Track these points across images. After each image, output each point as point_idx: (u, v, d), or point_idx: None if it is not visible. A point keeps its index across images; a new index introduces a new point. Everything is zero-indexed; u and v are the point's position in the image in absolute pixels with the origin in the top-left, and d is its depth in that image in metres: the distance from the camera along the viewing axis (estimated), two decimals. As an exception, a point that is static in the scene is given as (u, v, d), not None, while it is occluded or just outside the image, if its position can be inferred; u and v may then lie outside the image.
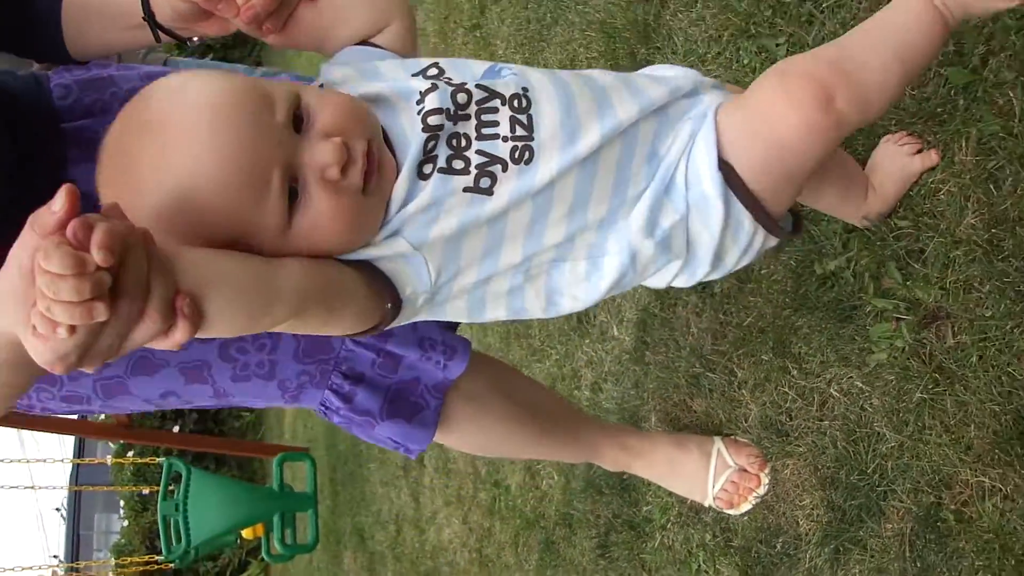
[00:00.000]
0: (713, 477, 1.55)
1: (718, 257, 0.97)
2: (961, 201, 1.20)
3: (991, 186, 1.16)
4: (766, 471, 1.51)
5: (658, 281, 1.01)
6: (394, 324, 0.90)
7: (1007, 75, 1.14)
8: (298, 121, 0.82)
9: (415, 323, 1.03)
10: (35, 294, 0.64)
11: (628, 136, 0.92)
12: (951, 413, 1.18)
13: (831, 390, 1.36)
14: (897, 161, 1.27)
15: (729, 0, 1.65)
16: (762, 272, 1.55)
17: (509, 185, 0.88)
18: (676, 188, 0.94)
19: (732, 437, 1.58)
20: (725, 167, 0.91)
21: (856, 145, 1.38)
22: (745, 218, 0.94)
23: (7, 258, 0.68)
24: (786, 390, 1.45)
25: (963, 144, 1.20)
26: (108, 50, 1.21)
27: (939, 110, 1.24)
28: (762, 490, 1.51)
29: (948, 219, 1.22)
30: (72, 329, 0.64)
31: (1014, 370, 1.12)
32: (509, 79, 0.92)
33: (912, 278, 1.25)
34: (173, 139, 0.77)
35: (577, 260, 0.94)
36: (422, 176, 0.87)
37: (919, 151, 1.26)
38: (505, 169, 0.88)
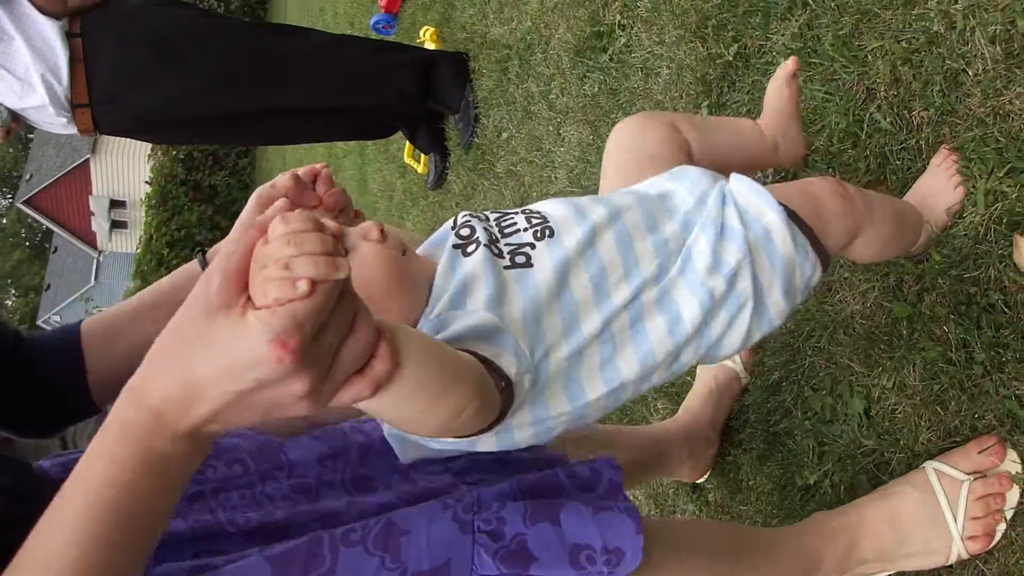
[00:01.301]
0: (949, 507, 1.22)
1: (788, 293, 1.05)
2: (915, 420, 1.34)
3: (938, 408, 1.30)
4: (1011, 457, 1.20)
5: (736, 337, 1.05)
6: (510, 414, 0.90)
7: (941, 310, 1.31)
8: None
9: (560, 530, 0.96)
10: (256, 270, 0.62)
11: (642, 206, 1.05)
12: (926, 618, 1.27)
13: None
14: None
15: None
16: (749, 483, 1.67)
17: (544, 256, 0.98)
18: (733, 231, 1.02)
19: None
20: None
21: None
22: (807, 248, 1.06)
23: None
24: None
25: (911, 370, 1.35)
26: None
27: (887, 339, 1.40)
28: (1015, 496, 1.19)
29: (906, 436, 1.35)
30: (312, 287, 0.60)
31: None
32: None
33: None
34: None
35: (653, 317, 1.00)
36: (466, 254, 0.97)
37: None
38: (533, 247, 0.99)
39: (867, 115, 1.47)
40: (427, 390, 0.75)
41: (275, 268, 0.61)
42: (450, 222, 1.05)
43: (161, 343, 0.68)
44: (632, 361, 0.99)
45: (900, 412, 1.37)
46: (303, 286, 0.60)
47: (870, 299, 1.44)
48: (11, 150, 38.45)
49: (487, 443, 0.96)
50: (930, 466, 1.26)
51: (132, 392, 0.69)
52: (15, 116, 2.59)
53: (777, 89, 1.26)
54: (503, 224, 1.04)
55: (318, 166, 1.13)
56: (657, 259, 1.01)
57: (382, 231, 0.93)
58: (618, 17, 2.27)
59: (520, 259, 0.98)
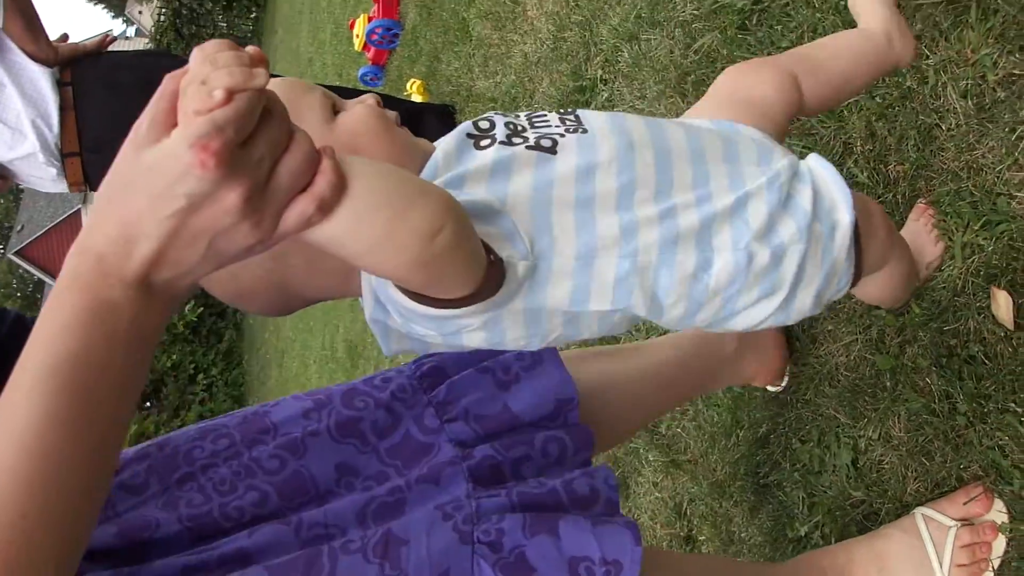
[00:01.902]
0: (935, 552, 1.22)
1: (818, 296, 0.97)
2: (902, 471, 1.35)
3: (923, 458, 1.31)
4: (997, 507, 1.20)
5: (753, 317, 0.95)
6: (501, 297, 0.82)
7: (922, 362, 1.32)
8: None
9: (559, 542, 0.95)
10: (180, 101, 0.62)
11: (694, 135, 0.93)
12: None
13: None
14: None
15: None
16: (741, 536, 1.67)
17: (571, 148, 0.88)
18: (799, 208, 0.92)
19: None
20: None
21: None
22: (853, 260, 0.98)
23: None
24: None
25: (895, 421, 1.36)
26: None
27: (871, 390, 1.41)
28: (1001, 546, 1.19)
29: (894, 487, 1.36)
30: (228, 96, 0.60)
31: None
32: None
33: (870, 542, 1.38)
34: None
35: (687, 252, 0.88)
36: (478, 147, 0.88)
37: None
38: (563, 136, 0.89)
39: (845, 169, 1.49)
40: (388, 205, 0.69)
41: (193, 87, 0.61)
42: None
43: (100, 193, 0.67)
44: (646, 290, 0.88)
45: (887, 463, 1.38)
46: (218, 94, 0.59)
47: (854, 351, 1.46)
48: (2, 201, 38.55)
49: (474, 337, 0.87)
50: (919, 512, 1.27)
51: (78, 244, 0.67)
52: (3, 173, 2.58)
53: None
54: (534, 118, 0.95)
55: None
56: (695, 191, 0.89)
57: (379, 103, 0.90)
58: (600, 72, 2.31)
59: (546, 143, 0.88)
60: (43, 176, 2.61)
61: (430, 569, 0.90)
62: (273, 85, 0.69)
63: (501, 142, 0.88)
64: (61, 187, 2.63)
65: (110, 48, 2.65)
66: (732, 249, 0.89)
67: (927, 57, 1.36)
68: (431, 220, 0.70)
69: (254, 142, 0.63)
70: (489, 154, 0.87)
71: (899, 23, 1.16)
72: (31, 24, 2.39)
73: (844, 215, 0.94)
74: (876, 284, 1.15)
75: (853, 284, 1.01)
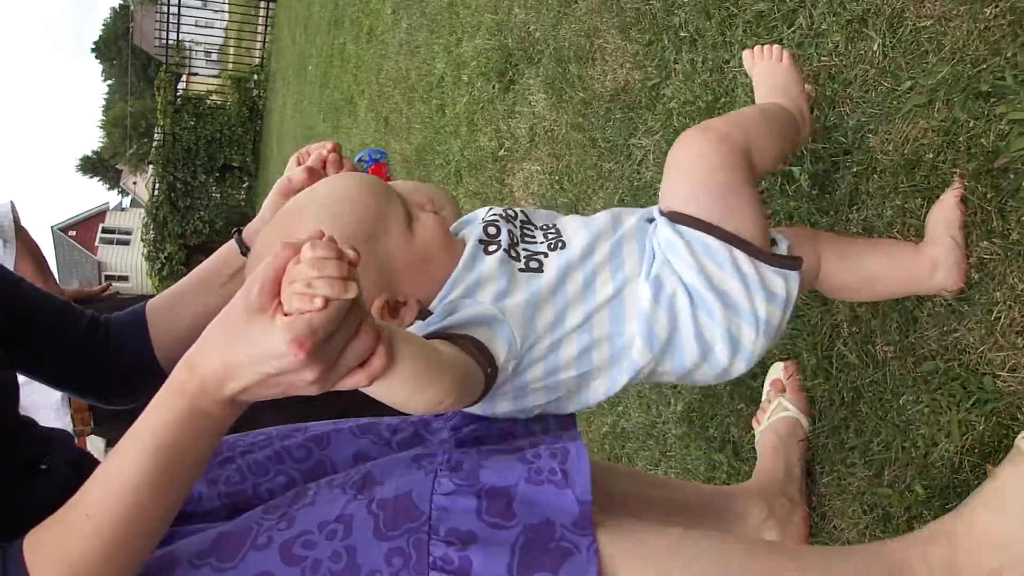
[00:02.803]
0: None
1: (701, 273, 1.12)
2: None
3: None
4: None
5: (687, 334, 1.13)
6: (487, 394, 1.06)
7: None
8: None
9: (506, 436, 1.19)
10: (286, 284, 0.81)
11: (626, 232, 1.19)
12: None
13: None
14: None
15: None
16: None
17: (553, 263, 1.14)
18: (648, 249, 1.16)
19: None
20: (668, 214, 1.15)
21: None
22: (711, 242, 1.12)
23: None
24: None
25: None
26: (203, 321, 1.31)
27: None
28: None
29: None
30: (326, 303, 0.79)
31: None
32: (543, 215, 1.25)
33: None
34: (321, 205, 1.10)
35: (630, 321, 1.12)
36: (487, 252, 1.13)
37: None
38: (546, 256, 1.15)
39: (835, 350, 1.56)
40: (414, 382, 0.92)
41: (300, 285, 0.79)
42: (483, 211, 1.22)
43: (213, 328, 0.88)
44: (603, 354, 1.13)
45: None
46: (319, 302, 0.79)
47: (861, 526, 1.49)
48: None
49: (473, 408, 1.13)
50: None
51: (188, 362, 0.90)
52: None
53: (942, 211, 1.35)
54: (524, 230, 1.20)
55: (325, 151, 1.34)
56: (637, 261, 1.15)
57: (432, 201, 1.17)
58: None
59: (534, 264, 1.15)
60: (45, 405, 2.54)
61: (395, 491, 1.03)
62: (364, 186, 1.11)
63: (504, 250, 1.14)
64: (63, 422, 2.49)
65: (107, 294, 2.83)
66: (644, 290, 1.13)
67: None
68: (441, 395, 0.95)
69: (336, 334, 0.82)
70: (495, 261, 1.12)
71: (955, 257, 1.33)
72: (40, 267, 2.52)
73: (658, 219, 1.18)
74: (763, 161, 1.22)
75: (743, 248, 1.13)
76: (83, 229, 37.58)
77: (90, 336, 1.34)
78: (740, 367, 1.17)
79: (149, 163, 16.82)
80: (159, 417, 0.91)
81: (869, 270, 1.35)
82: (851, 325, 1.54)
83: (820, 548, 1.33)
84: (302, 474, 1.22)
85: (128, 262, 36.25)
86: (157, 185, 15.08)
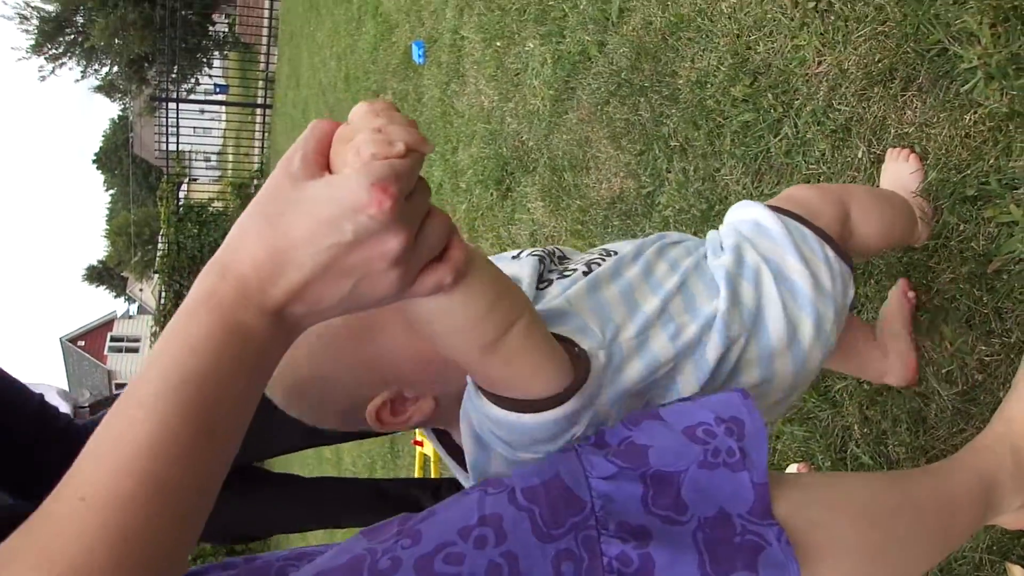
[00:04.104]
0: None
1: (803, 259, 1.09)
2: None
3: None
4: None
5: (775, 309, 1.07)
6: (592, 386, 0.85)
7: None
8: None
9: (665, 423, 0.87)
10: (342, 143, 0.64)
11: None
12: None
13: None
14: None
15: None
16: None
17: (607, 264, 1.04)
18: (729, 229, 1.16)
19: None
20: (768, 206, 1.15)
21: None
22: (800, 226, 1.13)
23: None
24: None
25: None
26: None
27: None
28: None
29: None
30: (406, 151, 0.63)
31: None
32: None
33: None
34: None
35: (706, 303, 1.03)
36: (539, 288, 1.02)
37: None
38: (599, 264, 1.05)
39: (848, 451, 1.57)
40: (486, 294, 0.75)
41: (368, 133, 0.63)
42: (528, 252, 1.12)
43: (244, 220, 0.65)
44: (694, 326, 1.00)
45: None
46: (400, 147, 0.63)
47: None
48: None
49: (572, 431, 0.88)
50: None
51: (216, 264, 0.65)
52: None
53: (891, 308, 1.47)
54: (565, 264, 1.09)
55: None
56: (689, 258, 1.10)
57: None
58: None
59: (593, 266, 1.04)
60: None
61: (539, 475, 0.81)
62: None
63: (557, 279, 1.03)
64: None
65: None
66: (714, 273, 1.07)
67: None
68: (511, 317, 0.78)
69: (413, 199, 0.65)
70: (552, 289, 1.01)
71: (902, 346, 1.45)
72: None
73: (753, 210, 1.15)
74: (863, 227, 1.24)
75: (833, 245, 1.14)
76: (92, 339, 37.66)
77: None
78: (817, 357, 1.09)
79: (155, 272, 16.96)
80: (180, 341, 0.62)
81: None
82: (862, 427, 1.55)
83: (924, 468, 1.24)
84: None
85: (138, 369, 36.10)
86: (164, 294, 15.19)
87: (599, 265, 1.05)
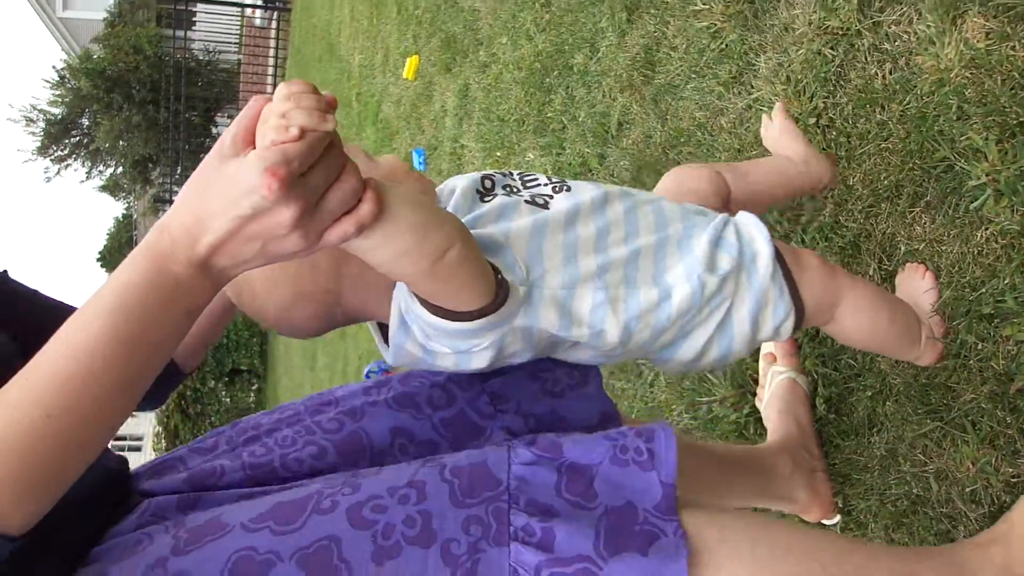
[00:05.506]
0: None
1: (754, 321, 1.14)
2: None
3: None
4: None
5: (696, 342, 1.14)
6: (504, 312, 0.99)
7: None
8: None
9: (588, 420, 1.15)
10: (261, 124, 0.78)
11: (653, 199, 1.18)
12: None
13: None
14: None
15: None
16: None
17: (559, 203, 1.10)
18: (728, 243, 1.14)
19: None
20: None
21: None
22: (783, 287, 1.15)
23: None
24: None
25: None
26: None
27: None
28: None
29: None
30: (302, 133, 0.75)
31: None
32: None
33: None
34: None
35: (648, 287, 1.08)
36: (483, 201, 1.10)
37: None
38: (551, 197, 1.12)
39: None
40: (412, 232, 0.87)
41: (274, 119, 0.76)
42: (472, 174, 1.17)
43: (185, 189, 0.82)
44: (619, 318, 1.07)
45: None
46: (294, 131, 0.75)
47: None
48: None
49: (482, 356, 1.03)
50: None
51: (160, 223, 0.83)
52: None
53: (775, 127, 1.52)
54: (526, 179, 1.17)
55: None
56: (656, 234, 1.12)
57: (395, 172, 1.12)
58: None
59: (540, 201, 1.11)
60: None
61: (468, 460, 0.95)
62: None
63: (503, 194, 1.12)
64: None
65: None
66: (686, 280, 1.09)
67: (925, 464, 1.44)
68: (444, 245, 0.90)
69: (314, 171, 0.79)
70: (495, 203, 1.09)
71: (813, 152, 1.49)
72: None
73: (761, 244, 1.16)
74: (849, 322, 1.27)
75: (799, 315, 1.18)
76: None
77: None
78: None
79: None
80: (124, 277, 0.82)
81: (764, 180, 1.44)
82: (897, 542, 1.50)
83: (896, 547, 1.35)
84: (334, 444, 1.09)
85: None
86: (166, 393, 15.11)
87: (550, 199, 1.12)
